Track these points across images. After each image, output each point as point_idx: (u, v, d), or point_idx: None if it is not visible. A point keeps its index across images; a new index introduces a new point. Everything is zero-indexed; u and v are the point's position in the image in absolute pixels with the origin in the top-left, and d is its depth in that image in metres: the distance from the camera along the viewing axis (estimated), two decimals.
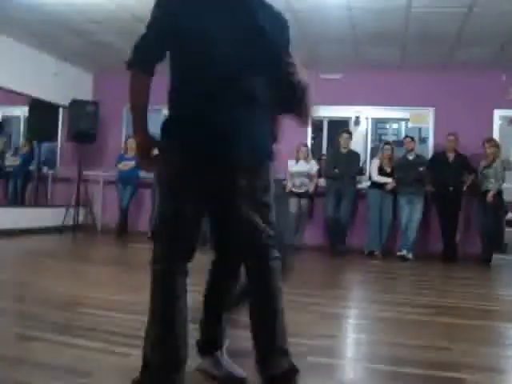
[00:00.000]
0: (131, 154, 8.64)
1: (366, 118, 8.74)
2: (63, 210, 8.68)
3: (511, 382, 2.57)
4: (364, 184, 7.97)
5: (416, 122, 9.00)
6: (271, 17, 2.14)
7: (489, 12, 5.96)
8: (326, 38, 7.21)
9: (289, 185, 7.91)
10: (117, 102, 9.32)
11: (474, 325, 3.55)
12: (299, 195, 7.84)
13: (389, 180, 7.53)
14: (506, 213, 8.15)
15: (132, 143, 8.69)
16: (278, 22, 2.18)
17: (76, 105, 8.66)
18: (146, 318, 2.32)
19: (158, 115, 9.36)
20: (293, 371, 1.98)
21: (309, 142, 8.64)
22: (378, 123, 10.21)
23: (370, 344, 3.03)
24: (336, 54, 7.89)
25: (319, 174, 7.95)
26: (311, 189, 7.87)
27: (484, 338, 3.23)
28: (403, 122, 10.61)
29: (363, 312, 4.00)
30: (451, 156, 7.63)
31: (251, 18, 2.05)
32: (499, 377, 2.54)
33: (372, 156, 8.42)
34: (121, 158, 8.76)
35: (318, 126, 9.46)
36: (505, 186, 7.39)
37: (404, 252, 7.38)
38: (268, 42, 2.07)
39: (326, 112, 8.83)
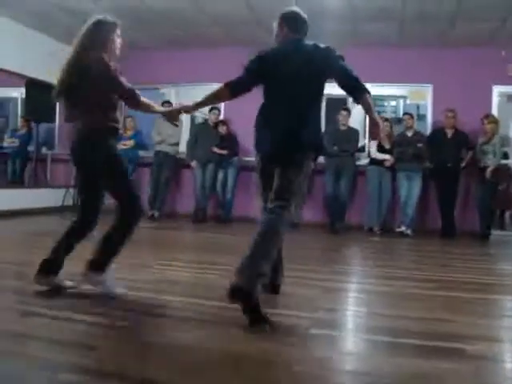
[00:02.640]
0: (129, 133, 8.65)
1: None
2: (63, 190, 8.69)
3: (509, 351, 2.61)
4: (363, 161, 7.99)
5: (414, 98, 8.99)
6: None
7: None
8: (324, 14, 7.16)
9: None
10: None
11: (474, 298, 3.58)
12: None
13: (387, 157, 7.53)
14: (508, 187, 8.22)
15: (130, 122, 8.69)
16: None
17: None
18: (147, 295, 2.36)
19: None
20: None
21: None
22: (377, 100, 10.17)
23: (370, 317, 3.07)
24: (334, 31, 7.83)
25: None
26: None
27: (484, 311, 3.27)
28: (402, 99, 10.57)
29: (363, 286, 4.04)
30: (450, 132, 7.63)
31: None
32: (498, 346, 2.58)
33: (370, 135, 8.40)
34: (119, 138, 8.74)
35: None
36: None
37: (403, 228, 7.41)
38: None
39: (326, 89, 8.81)
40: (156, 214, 8.30)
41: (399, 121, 8.45)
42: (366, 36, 7.96)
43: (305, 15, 3.50)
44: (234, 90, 3.34)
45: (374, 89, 8.60)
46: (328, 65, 3.19)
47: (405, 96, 9.71)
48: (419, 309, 3.19)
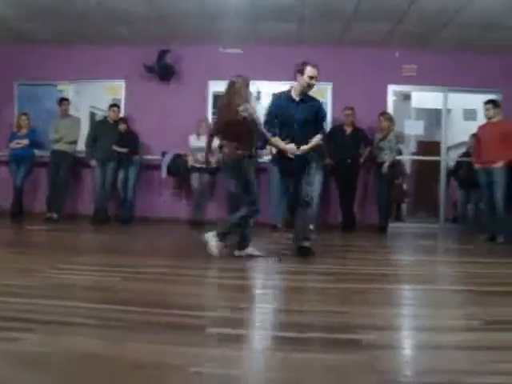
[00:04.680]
0: (24, 131, 8.22)
1: (267, 94, 8.78)
2: None
3: (404, 338, 2.68)
4: (265, 158, 8.03)
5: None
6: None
7: None
8: (225, 12, 7.14)
9: (190, 160, 7.85)
10: (6, 77, 8.82)
11: (371, 288, 3.68)
12: (201, 170, 7.80)
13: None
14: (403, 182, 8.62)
15: (24, 120, 8.26)
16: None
17: None
18: (38, 301, 2.20)
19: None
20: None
21: (210, 117, 8.59)
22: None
23: (272, 313, 3.06)
24: (235, 28, 7.84)
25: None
26: (213, 164, 7.84)
27: (380, 300, 3.36)
28: None
29: (266, 282, 4.05)
30: (348, 129, 7.86)
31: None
32: (394, 334, 2.64)
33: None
34: (13, 136, 8.31)
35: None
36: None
37: None
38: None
39: None
40: (54, 215, 7.93)
41: None
42: (266, 34, 8.02)
43: None
44: None
45: (275, 86, 8.77)
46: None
47: None
48: (319, 302, 3.23)
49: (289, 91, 5.09)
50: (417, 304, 3.45)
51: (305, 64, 4.91)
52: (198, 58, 8.58)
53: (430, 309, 3.23)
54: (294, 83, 5.04)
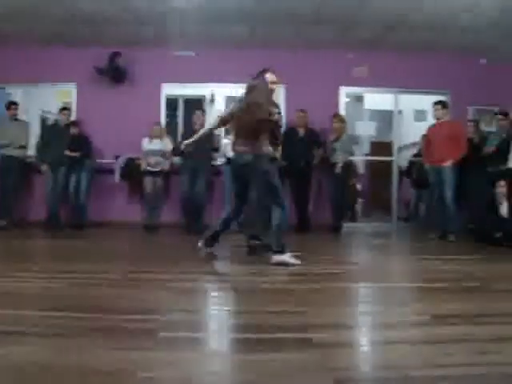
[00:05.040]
0: None
1: (221, 96, 8.80)
2: None
3: (356, 336, 2.71)
4: (219, 161, 8.02)
5: None
6: None
7: None
8: (176, 14, 7.10)
9: (143, 164, 7.77)
10: None
11: (325, 287, 3.71)
12: (154, 174, 7.73)
13: None
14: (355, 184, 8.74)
15: None
16: None
17: None
18: None
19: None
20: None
21: (163, 120, 8.53)
22: (233, 101, 10.31)
23: (226, 315, 3.06)
24: (188, 31, 7.80)
25: (174, 152, 7.85)
26: (166, 167, 7.80)
27: (333, 300, 3.39)
28: None
29: (220, 284, 4.04)
30: (301, 131, 7.91)
31: None
32: (345, 332, 2.67)
33: (227, 133, 8.46)
34: None
35: (173, 104, 9.36)
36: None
37: None
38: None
39: (181, 90, 8.81)
40: (3, 223, 7.70)
41: None
42: (218, 37, 8.01)
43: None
44: None
45: (230, 89, 8.80)
46: None
47: None
48: (273, 303, 3.23)
49: None
50: (368, 302, 3.51)
51: (264, 71, 5.00)
52: (150, 60, 8.50)
53: (380, 306, 3.28)
54: None
